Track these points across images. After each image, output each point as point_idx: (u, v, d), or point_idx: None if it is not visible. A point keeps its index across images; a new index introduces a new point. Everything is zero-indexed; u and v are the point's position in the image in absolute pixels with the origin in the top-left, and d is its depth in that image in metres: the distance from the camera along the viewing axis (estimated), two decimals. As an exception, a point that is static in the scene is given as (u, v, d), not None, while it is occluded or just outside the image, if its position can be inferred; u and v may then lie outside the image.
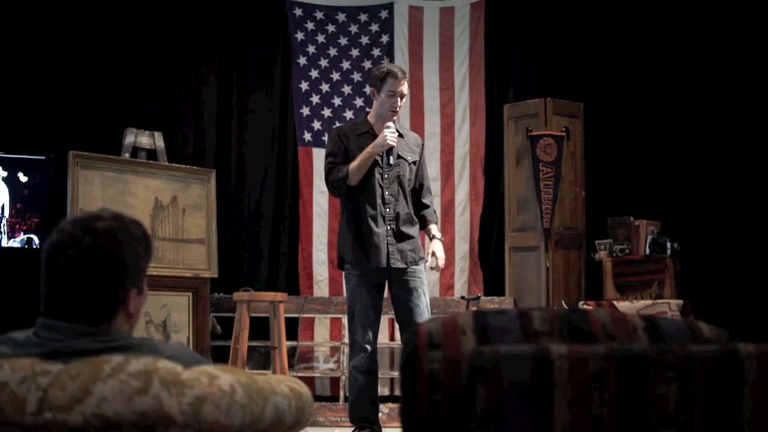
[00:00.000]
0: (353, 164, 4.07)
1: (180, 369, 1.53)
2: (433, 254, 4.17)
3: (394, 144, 4.06)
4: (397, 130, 4.15)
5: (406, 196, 4.17)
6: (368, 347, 4.05)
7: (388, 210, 4.12)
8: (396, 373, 5.75)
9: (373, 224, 4.09)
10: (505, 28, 6.58)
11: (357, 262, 4.11)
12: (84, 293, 1.59)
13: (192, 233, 5.49)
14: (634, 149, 6.28)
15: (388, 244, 4.09)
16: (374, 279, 4.12)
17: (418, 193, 4.27)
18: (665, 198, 6.13)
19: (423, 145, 4.40)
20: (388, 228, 4.10)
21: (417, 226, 4.23)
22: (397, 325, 5.25)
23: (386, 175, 4.12)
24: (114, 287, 1.62)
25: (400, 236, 4.12)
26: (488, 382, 1.37)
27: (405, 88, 4.12)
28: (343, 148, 4.16)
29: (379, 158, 4.09)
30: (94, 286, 1.60)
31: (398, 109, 4.14)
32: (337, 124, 6.47)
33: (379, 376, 4.25)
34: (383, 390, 5.85)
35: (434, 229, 4.27)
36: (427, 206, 4.31)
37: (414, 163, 4.23)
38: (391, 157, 4.09)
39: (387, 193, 4.12)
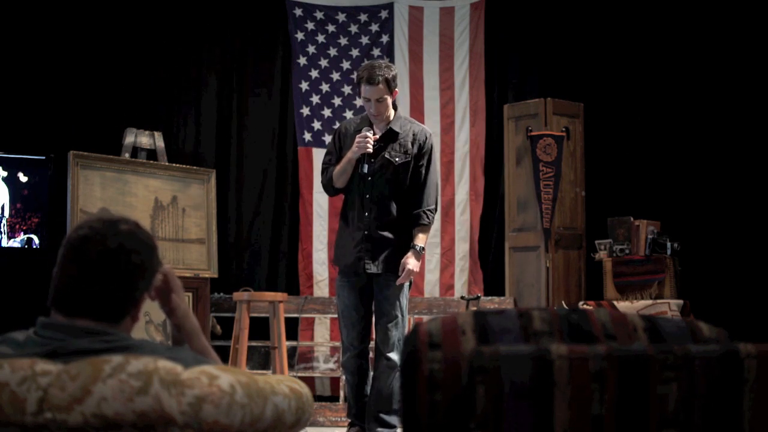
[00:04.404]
0: (336, 168, 4.04)
1: (180, 369, 1.53)
2: (403, 267, 3.95)
3: (366, 150, 3.93)
4: (391, 129, 4.03)
5: (390, 199, 4.01)
6: (352, 348, 4.06)
7: (366, 214, 4.01)
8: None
9: (351, 227, 4.05)
10: (505, 28, 6.58)
11: (336, 262, 4.17)
12: (104, 290, 1.62)
13: (192, 233, 5.49)
14: (634, 149, 6.27)
15: (362, 249, 4.00)
16: (355, 281, 4.06)
17: (412, 193, 4.07)
18: (665, 198, 6.13)
19: (427, 140, 4.09)
20: (366, 233, 4.00)
21: (404, 231, 4.05)
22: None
23: (369, 178, 4.01)
24: (132, 289, 1.66)
25: (378, 241, 4.00)
26: (488, 383, 1.37)
27: (379, 92, 3.92)
28: (338, 146, 4.13)
29: (358, 162, 4.01)
30: (116, 284, 1.63)
31: (379, 112, 3.99)
32: (337, 125, 6.49)
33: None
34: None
35: (416, 235, 4.02)
36: (417, 208, 4.05)
37: (405, 164, 4.03)
38: (366, 165, 3.98)
39: (367, 196, 4.01)
